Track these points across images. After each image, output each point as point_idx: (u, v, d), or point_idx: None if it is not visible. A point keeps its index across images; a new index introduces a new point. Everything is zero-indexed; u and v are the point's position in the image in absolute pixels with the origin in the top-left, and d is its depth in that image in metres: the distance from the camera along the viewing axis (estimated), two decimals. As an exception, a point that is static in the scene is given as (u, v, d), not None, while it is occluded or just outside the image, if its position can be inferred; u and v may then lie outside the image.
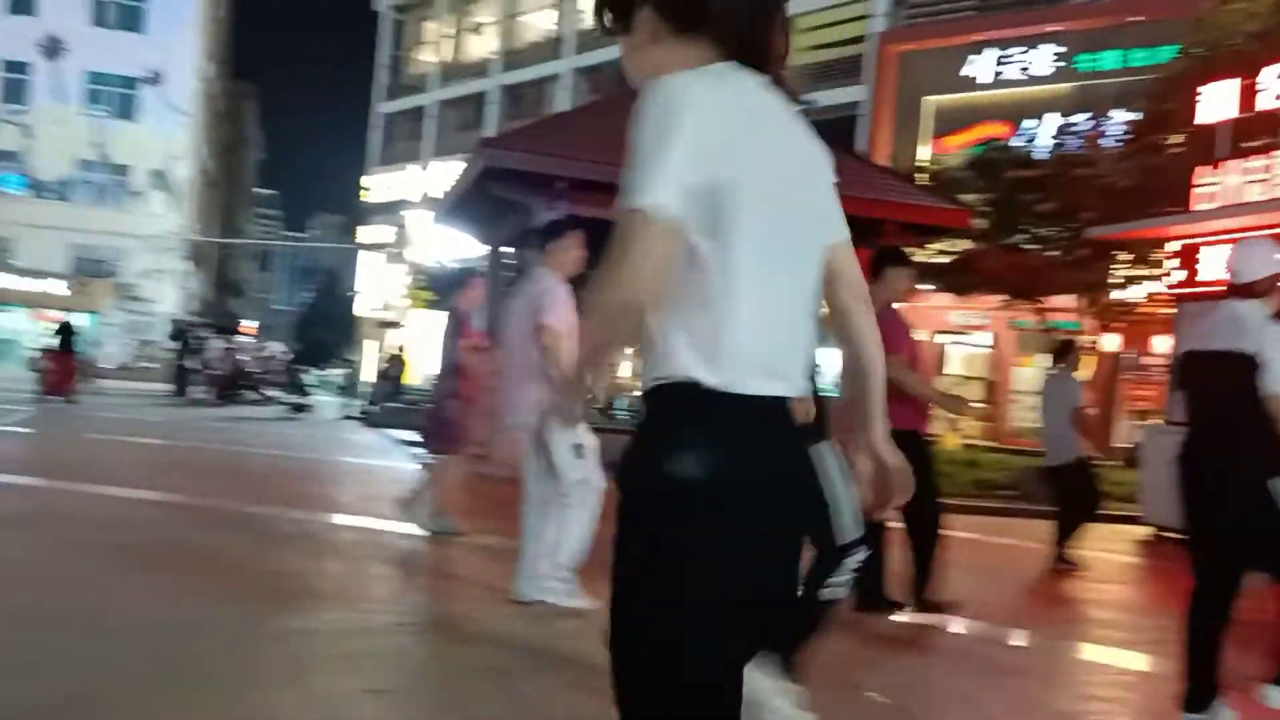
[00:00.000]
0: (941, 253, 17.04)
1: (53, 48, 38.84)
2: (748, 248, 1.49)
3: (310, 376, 23.93)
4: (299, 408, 20.91)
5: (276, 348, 33.50)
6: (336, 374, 35.92)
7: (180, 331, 27.68)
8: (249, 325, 51.30)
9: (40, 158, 37.43)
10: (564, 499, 4.76)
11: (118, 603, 4.44)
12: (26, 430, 12.90)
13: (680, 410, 1.49)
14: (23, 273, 35.14)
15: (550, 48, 34.56)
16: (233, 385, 22.88)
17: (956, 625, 5.23)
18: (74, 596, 4.51)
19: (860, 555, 3.48)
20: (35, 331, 32.77)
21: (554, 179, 10.19)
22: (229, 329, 35.04)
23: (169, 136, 38.30)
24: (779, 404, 1.54)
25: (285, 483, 9.84)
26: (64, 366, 18.68)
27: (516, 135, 13.06)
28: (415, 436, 10.02)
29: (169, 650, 3.82)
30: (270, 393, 23.09)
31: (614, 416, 12.53)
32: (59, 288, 35.28)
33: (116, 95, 39.41)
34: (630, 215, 1.42)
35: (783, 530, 1.57)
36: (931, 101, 23.74)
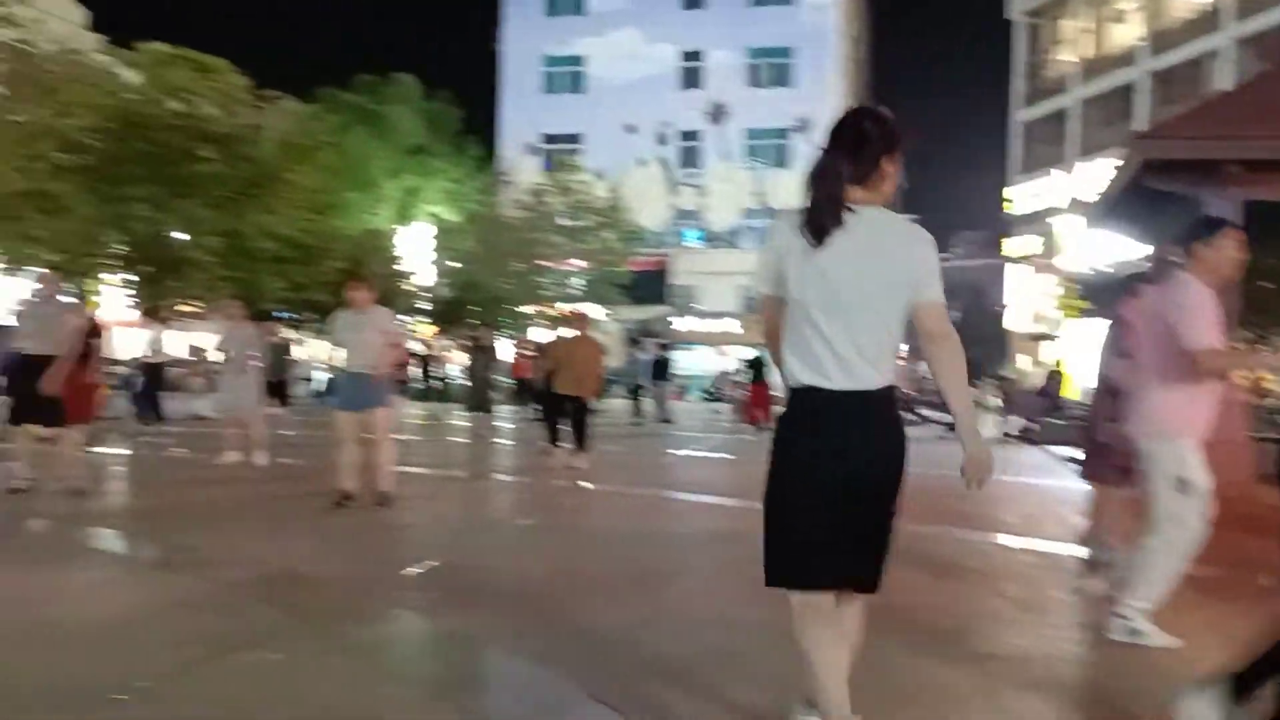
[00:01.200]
0: None
1: (718, 113, 43.96)
2: (811, 307, 2.78)
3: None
4: (954, 426, 21.04)
5: (925, 368, 34.10)
6: (990, 391, 35.63)
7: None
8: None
9: (712, 212, 42.51)
10: (1152, 531, 4.33)
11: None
12: (724, 455, 14.62)
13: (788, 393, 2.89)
14: (704, 315, 40.21)
15: (1206, 22, 31.23)
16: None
17: None
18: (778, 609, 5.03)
19: None
20: (716, 367, 37.30)
21: (1225, 164, 9.18)
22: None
23: (819, 178, 41.29)
24: (821, 391, 2.78)
25: (946, 501, 10.01)
26: (757, 396, 20.78)
27: (1178, 122, 11.93)
28: (1078, 456, 9.61)
29: (867, 663, 4.11)
30: (925, 412, 23.55)
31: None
32: (733, 326, 39.73)
33: (771, 147, 43.37)
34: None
35: (827, 449, 2.78)
36: None
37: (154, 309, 22.80)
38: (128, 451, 11.46)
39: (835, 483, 2.76)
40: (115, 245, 22.53)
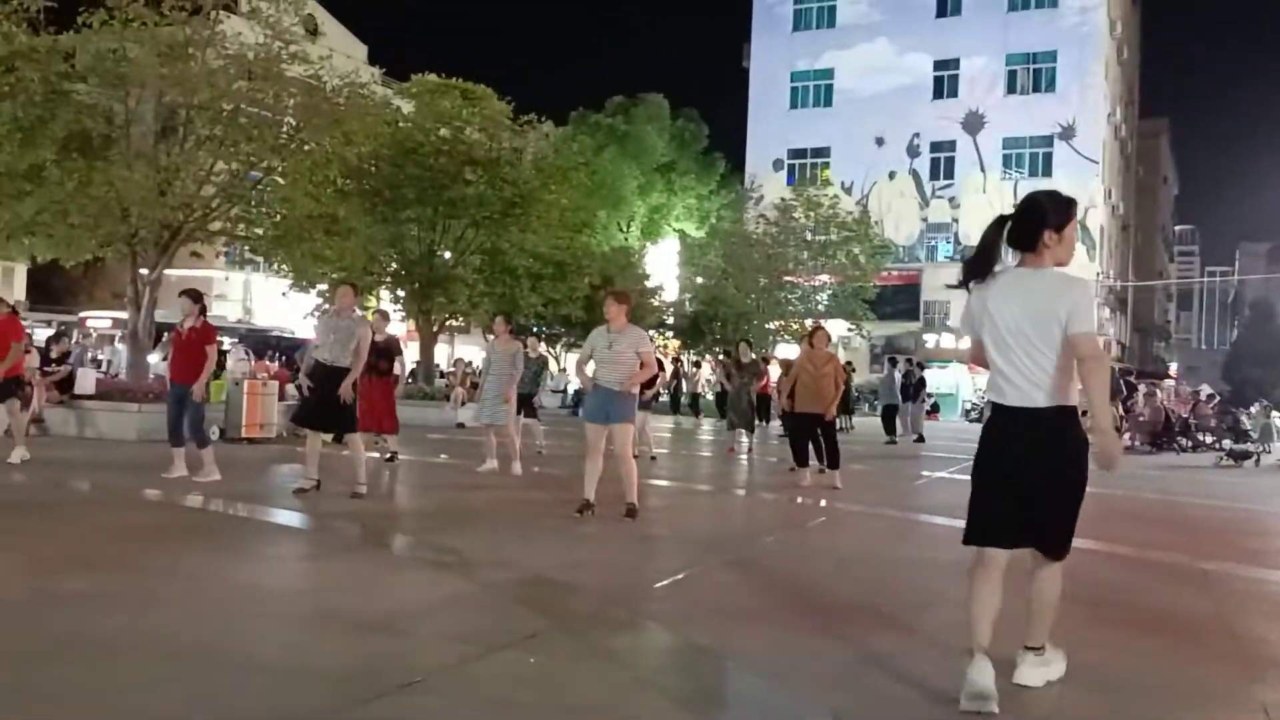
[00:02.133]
0: None
1: (973, 123, 42.48)
2: (990, 344, 3.76)
3: (1250, 420, 22.02)
4: (1239, 455, 19.41)
5: (1204, 390, 31.61)
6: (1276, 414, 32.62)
7: (1116, 382, 27.75)
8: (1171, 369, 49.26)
9: (965, 225, 41.03)
10: None
11: (1076, 655, 4.57)
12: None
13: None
14: (958, 332, 38.84)
15: None
16: (1163, 432, 22.17)
17: None
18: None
19: None
20: (972, 385, 35.97)
21: None
22: (1155, 374, 34.06)
23: (1082, 186, 39.04)
24: (1002, 407, 3.73)
25: (1231, 536, 9.25)
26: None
27: None
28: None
29: (1144, 707, 3.87)
30: (1204, 439, 21.84)
31: None
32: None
33: (1028, 155, 41.50)
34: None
35: (1004, 450, 3.72)
36: None
37: (422, 323, 24.36)
38: (401, 457, 12.24)
39: (1009, 475, 3.68)
40: (391, 263, 24.22)
